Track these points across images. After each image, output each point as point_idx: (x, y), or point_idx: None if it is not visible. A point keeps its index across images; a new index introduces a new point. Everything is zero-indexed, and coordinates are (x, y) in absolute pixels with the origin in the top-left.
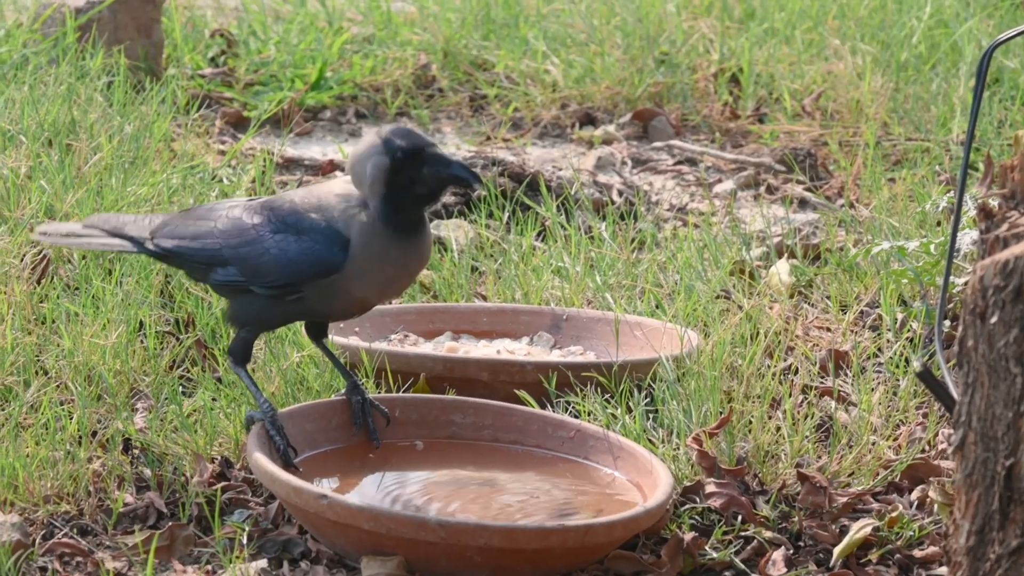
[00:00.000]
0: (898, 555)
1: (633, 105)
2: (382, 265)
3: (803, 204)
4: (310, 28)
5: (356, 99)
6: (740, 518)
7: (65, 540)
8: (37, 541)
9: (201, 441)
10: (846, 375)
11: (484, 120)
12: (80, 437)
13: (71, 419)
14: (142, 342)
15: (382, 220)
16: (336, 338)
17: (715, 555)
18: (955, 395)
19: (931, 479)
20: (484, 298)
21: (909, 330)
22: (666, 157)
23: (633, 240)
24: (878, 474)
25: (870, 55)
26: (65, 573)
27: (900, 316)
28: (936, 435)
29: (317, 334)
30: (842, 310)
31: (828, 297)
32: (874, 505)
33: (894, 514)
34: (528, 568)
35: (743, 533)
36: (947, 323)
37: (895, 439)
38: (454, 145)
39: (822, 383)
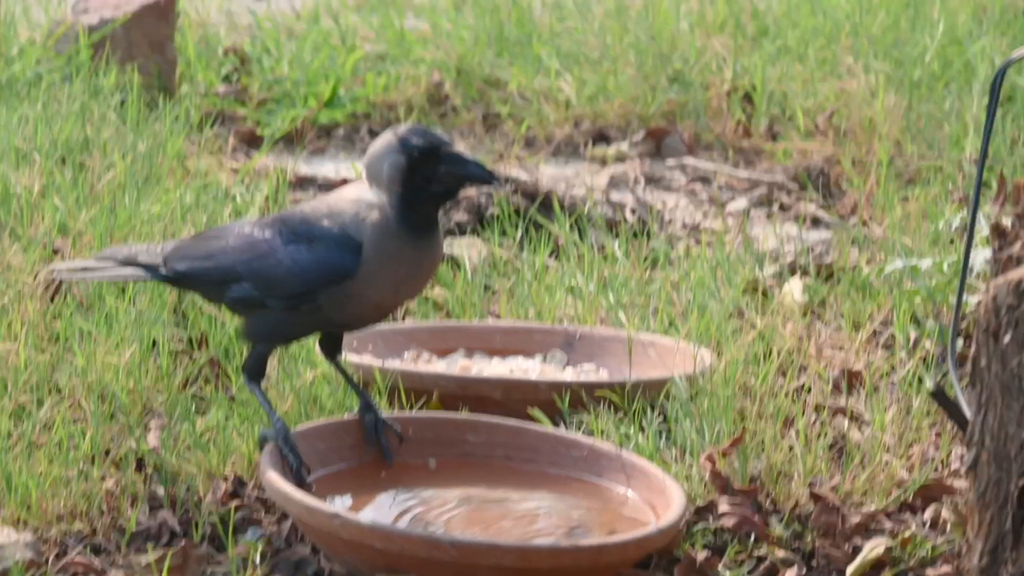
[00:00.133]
0: (911, 575)
1: (646, 123)
2: (395, 265)
3: (816, 222)
4: (323, 46)
5: (369, 117)
6: (753, 537)
7: (78, 559)
8: (50, 560)
9: (214, 460)
10: (859, 394)
11: (497, 138)
12: (93, 456)
13: (84, 437)
14: (155, 360)
15: (397, 219)
16: (349, 356)
17: (728, 574)
18: (968, 414)
19: (944, 498)
20: (497, 316)
21: (922, 349)
22: (679, 175)
23: (646, 258)
24: (891, 493)
25: (883, 73)
26: None
27: (913, 335)
28: (949, 454)
29: (331, 351)
30: (855, 329)
31: (841, 316)
32: (887, 524)
33: (907, 534)
34: None
35: (756, 553)
36: (960, 342)
37: (908, 458)
38: None
39: (835, 402)
